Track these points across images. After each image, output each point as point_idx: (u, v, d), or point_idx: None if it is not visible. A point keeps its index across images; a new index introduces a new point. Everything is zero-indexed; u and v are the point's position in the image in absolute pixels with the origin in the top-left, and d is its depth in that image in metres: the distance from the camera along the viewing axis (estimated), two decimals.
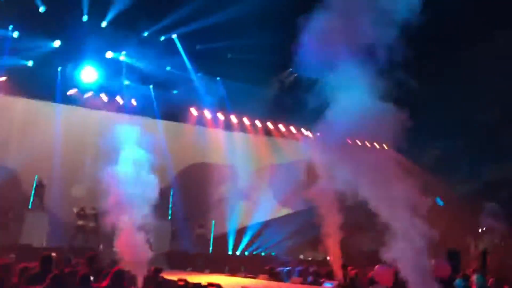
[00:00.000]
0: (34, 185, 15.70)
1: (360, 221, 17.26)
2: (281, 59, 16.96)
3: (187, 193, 18.16)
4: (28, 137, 15.91)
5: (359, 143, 7.61)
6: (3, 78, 16.03)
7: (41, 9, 14.73)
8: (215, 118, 19.83)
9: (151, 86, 18.22)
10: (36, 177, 15.73)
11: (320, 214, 10.40)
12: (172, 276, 9.63)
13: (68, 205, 15.65)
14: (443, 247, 11.78)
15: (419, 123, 6.80)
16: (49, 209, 15.67)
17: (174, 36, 16.54)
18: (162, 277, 8.67)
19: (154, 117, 18.31)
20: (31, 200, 15.61)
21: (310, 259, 17.24)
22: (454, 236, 15.09)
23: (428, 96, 15.23)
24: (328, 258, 17.10)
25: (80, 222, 15.31)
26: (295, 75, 18.40)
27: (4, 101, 16.23)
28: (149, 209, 8.39)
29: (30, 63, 16.23)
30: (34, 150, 15.55)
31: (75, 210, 15.40)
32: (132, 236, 8.36)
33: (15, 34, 15.45)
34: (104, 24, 15.50)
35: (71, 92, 17.14)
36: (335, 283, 9.26)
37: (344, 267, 10.88)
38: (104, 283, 6.38)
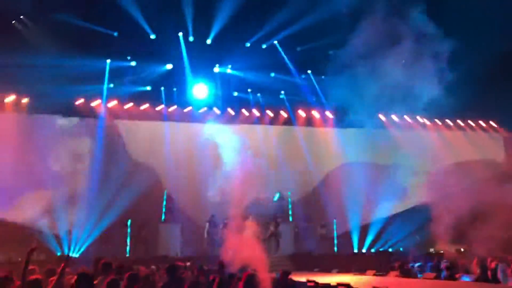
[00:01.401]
0: (164, 199, 16.93)
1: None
2: (386, 51, 16.53)
3: (305, 195, 18.28)
4: (154, 156, 17.25)
5: None
6: (130, 105, 17.61)
7: (152, 36, 15.91)
8: (324, 117, 19.70)
9: (258, 94, 18.70)
10: (166, 192, 16.95)
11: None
12: (301, 278, 9.74)
13: (196, 215, 16.60)
14: None
15: None
16: (180, 220, 16.73)
17: (275, 42, 16.80)
18: (291, 279, 8.79)
19: (266, 123, 18.83)
20: (163, 213, 16.84)
21: (441, 252, 16.32)
22: None
23: None
24: (462, 250, 16.15)
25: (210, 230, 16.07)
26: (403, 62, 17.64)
27: (131, 125, 17.76)
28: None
29: (148, 88, 17.62)
30: (160, 167, 16.84)
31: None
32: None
33: (133, 63, 16.88)
34: (209, 41, 16.25)
35: (187, 110, 18.23)
36: (473, 276, 8.67)
37: (481, 259, 10.14)
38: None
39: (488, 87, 15.49)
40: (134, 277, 6.60)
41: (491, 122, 20.40)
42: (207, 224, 16.20)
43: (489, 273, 8.87)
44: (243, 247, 13.12)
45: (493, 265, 9.29)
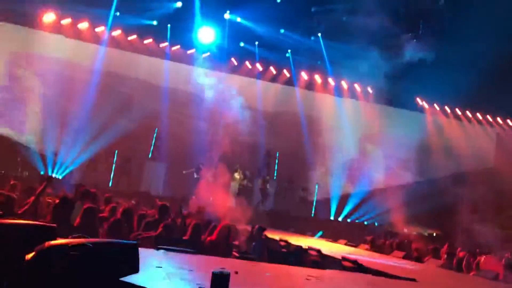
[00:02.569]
0: (154, 137, 16.98)
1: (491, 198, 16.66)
2: (400, 24, 16.28)
3: (293, 156, 18.42)
4: (150, 92, 17.15)
5: None
6: (133, 37, 17.31)
7: None
8: (325, 83, 19.58)
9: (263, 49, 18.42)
10: (156, 130, 16.97)
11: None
12: (275, 235, 9.99)
13: (183, 159, 16.71)
14: None
15: None
16: (167, 160, 16.86)
17: None
18: (266, 235, 9.01)
19: (267, 79, 18.74)
20: (151, 150, 16.93)
21: (415, 233, 16.73)
22: None
23: None
24: (434, 234, 16.59)
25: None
26: (414, 41, 17.42)
27: (132, 58, 17.53)
28: None
29: (154, 23, 17.26)
30: (155, 105, 16.77)
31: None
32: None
33: None
34: None
35: (190, 51, 17.96)
36: (439, 262, 8.93)
37: (451, 246, 10.43)
38: (213, 237, 6.80)
39: (497, 80, 15.43)
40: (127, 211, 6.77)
41: (487, 116, 20.43)
42: (194, 171, 16.33)
43: (454, 261, 9.15)
44: (216, 196, 13.48)
45: (461, 254, 9.58)
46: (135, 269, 2.86)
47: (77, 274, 2.64)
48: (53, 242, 2.73)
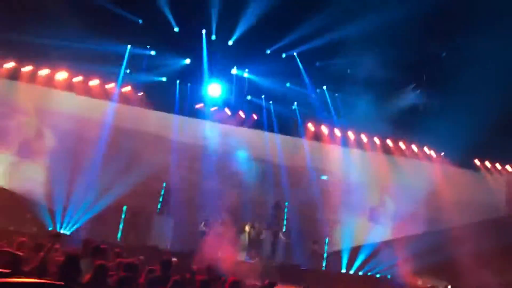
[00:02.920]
0: (163, 191, 17.00)
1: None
2: (403, 75, 16.61)
3: (302, 207, 18.29)
4: (159, 147, 17.33)
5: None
6: (141, 93, 17.74)
7: (176, 29, 16.02)
8: (332, 134, 19.74)
9: (271, 102, 18.77)
10: (164, 184, 17.02)
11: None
12: None
13: (192, 213, 16.63)
14: None
15: None
16: (175, 215, 16.78)
17: (295, 53, 16.86)
18: None
19: (273, 131, 18.92)
20: (159, 205, 16.91)
21: (429, 286, 16.28)
22: None
23: None
24: (449, 287, 16.11)
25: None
26: (418, 91, 17.71)
27: (141, 113, 17.86)
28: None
29: (164, 79, 17.72)
30: (163, 160, 16.91)
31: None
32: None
33: (152, 53, 16.99)
34: (230, 42, 16.32)
35: (198, 106, 18.31)
36: None
37: None
38: None
39: (504, 128, 15.49)
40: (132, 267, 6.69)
41: (496, 165, 20.31)
42: (202, 225, 16.24)
43: None
44: (224, 251, 13.33)
45: None
46: None
47: None
48: None
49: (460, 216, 18.28)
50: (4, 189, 15.70)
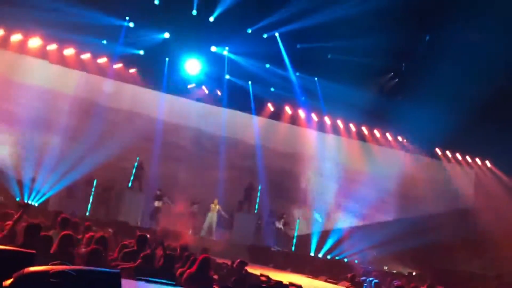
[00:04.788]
0: (135, 166, 16.76)
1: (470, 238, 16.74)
2: (383, 63, 16.68)
3: (275, 190, 18.37)
4: (133, 121, 17.06)
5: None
6: (119, 65, 17.33)
7: (156, 1, 15.61)
8: (308, 118, 19.78)
9: (249, 82, 18.61)
10: (138, 159, 16.78)
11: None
12: (255, 270, 9.80)
13: (163, 189, 16.49)
14: None
15: None
16: (146, 190, 16.61)
17: (276, 34, 16.69)
18: (246, 270, 8.83)
19: (250, 112, 18.82)
20: (131, 180, 16.67)
21: (394, 272, 16.66)
22: None
23: None
24: (414, 273, 16.54)
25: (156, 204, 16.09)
26: (396, 80, 17.84)
27: (116, 85, 17.48)
28: None
29: (141, 52, 17.32)
30: (137, 134, 16.65)
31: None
32: None
33: (131, 24, 16.54)
34: (211, 19, 16.01)
35: (190, 86, 18.01)
36: None
37: (430, 286, 10.37)
38: (193, 269, 6.63)
39: (477, 121, 15.78)
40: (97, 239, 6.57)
41: (467, 157, 20.77)
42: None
43: None
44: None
45: None
46: None
47: None
48: (32, 268, 2.60)
49: (429, 205, 18.71)
50: None
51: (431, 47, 15.92)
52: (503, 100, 15.07)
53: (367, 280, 11.09)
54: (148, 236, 8.48)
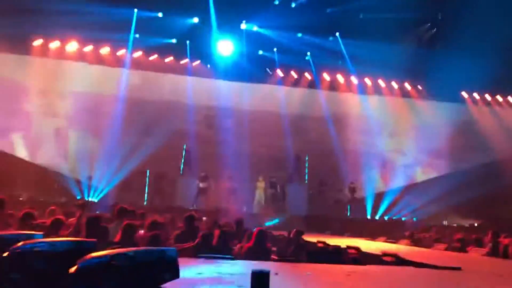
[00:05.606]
0: (184, 153, 17.16)
1: None
2: (418, 15, 16.07)
3: (324, 159, 18.31)
4: (175, 109, 17.42)
5: None
6: (154, 56, 17.67)
7: None
8: (348, 82, 19.46)
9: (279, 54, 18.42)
10: (185, 146, 17.16)
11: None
12: (312, 238, 9.90)
13: (215, 172, 16.81)
14: None
15: None
16: (197, 174, 16.98)
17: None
18: (303, 239, 8.93)
19: (289, 84, 18.77)
20: (182, 166, 17.11)
21: (455, 225, 16.35)
22: None
23: None
24: (476, 224, 16.16)
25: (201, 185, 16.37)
26: (434, 30, 17.17)
27: (155, 76, 17.85)
28: None
29: (174, 41, 17.54)
30: (181, 121, 17.01)
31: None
32: None
33: (160, 15, 16.74)
34: None
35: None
36: (484, 251, 8.68)
37: (495, 234, 10.10)
38: (250, 243, 6.79)
39: None
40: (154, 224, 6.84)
41: None
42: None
43: (500, 248, 8.85)
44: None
45: (506, 241, 9.25)
46: (175, 275, 2.89)
47: (119, 283, 2.69)
48: (94, 254, 2.79)
49: (482, 154, 18.11)
50: (30, 163, 16.12)
51: None
52: None
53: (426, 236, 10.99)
54: (204, 218, 8.75)
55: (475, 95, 19.80)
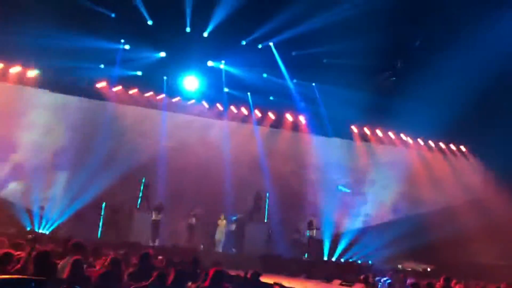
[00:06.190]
0: (142, 186, 16.85)
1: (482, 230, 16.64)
2: (378, 62, 16.74)
3: (283, 198, 18.38)
4: (136, 142, 17.18)
5: None
6: (119, 88, 17.53)
7: (149, 22, 15.80)
8: (309, 124, 19.83)
9: (248, 93, 18.73)
10: (144, 179, 16.87)
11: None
12: (269, 280, 9.82)
13: (172, 207, 16.55)
14: None
15: None
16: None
17: (270, 43, 16.82)
18: (260, 280, 8.85)
19: (252, 123, 18.95)
20: (139, 200, 16.76)
21: (409, 269, 16.60)
22: None
23: None
24: (429, 269, 16.47)
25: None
26: (393, 79, 17.87)
27: (118, 108, 17.64)
28: None
29: (139, 73, 17.52)
30: (141, 155, 16.77)
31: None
32: None
33: (127, 47, 16.74)
34: (205, 34, 16.17)
35: (175, 99, 18.20)
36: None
37: (447, 280, 10.31)
38: (206, 283, 6.65)
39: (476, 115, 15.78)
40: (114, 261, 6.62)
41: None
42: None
43: None
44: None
45: (457, 287, 9.47)
46: None
47: None
48: None
49: (438, 199, 18.66)
50: None
51: (425, 43, 15.97)
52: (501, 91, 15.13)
53: (381, 280, 11.09)
54: (160, 257, 8.55)
55: (430, 142, 20.55)
